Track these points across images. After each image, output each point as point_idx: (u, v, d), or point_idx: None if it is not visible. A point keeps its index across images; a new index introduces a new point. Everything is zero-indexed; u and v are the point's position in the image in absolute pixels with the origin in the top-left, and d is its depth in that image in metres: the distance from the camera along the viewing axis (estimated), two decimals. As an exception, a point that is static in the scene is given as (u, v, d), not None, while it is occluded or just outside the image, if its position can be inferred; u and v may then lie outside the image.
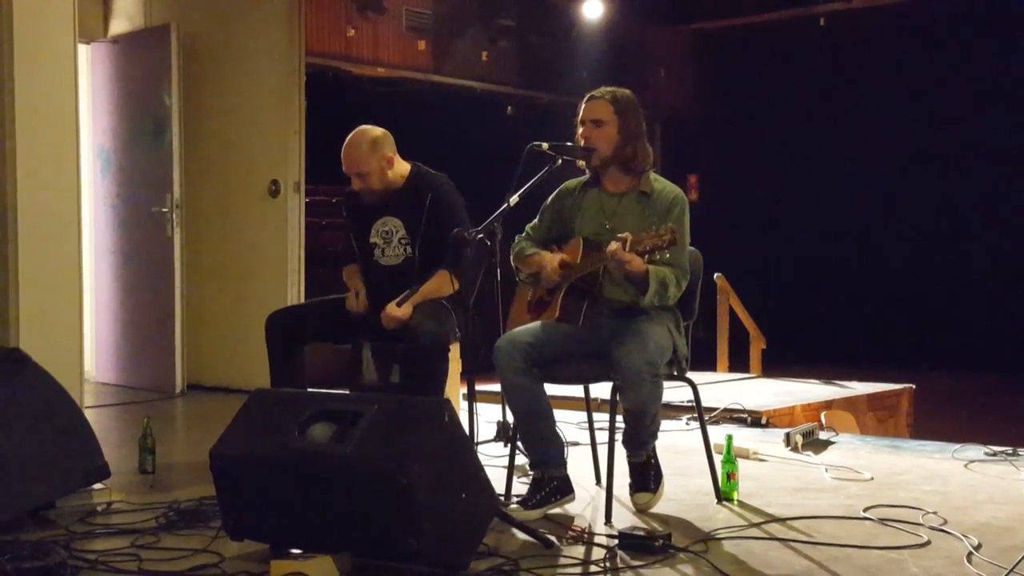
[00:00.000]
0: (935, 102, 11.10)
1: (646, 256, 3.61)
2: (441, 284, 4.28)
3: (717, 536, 3.49)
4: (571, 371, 3.90)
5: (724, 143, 11.86)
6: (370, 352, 4.38)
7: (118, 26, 7.45)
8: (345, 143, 4.40)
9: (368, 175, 4.37)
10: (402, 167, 4.48)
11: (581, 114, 3.96)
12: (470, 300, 4.08)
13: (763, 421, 5.89)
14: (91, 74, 7.27)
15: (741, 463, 4.13)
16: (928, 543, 3.39)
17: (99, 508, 3.79)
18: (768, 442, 5.19)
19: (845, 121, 11.55)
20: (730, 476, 3.99)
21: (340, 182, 4.94)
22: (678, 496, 4.03)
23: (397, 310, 4.21)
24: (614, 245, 3.62)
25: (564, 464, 3.87)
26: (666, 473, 3.97)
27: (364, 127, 4.44)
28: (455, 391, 4.94)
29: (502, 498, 3.84)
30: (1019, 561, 3.05)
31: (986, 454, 4.87)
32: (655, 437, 3.90)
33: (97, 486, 3.86)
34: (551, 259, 3.91)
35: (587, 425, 4.42)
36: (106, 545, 3.34)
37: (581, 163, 3.97)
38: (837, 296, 11.72)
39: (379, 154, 4.37)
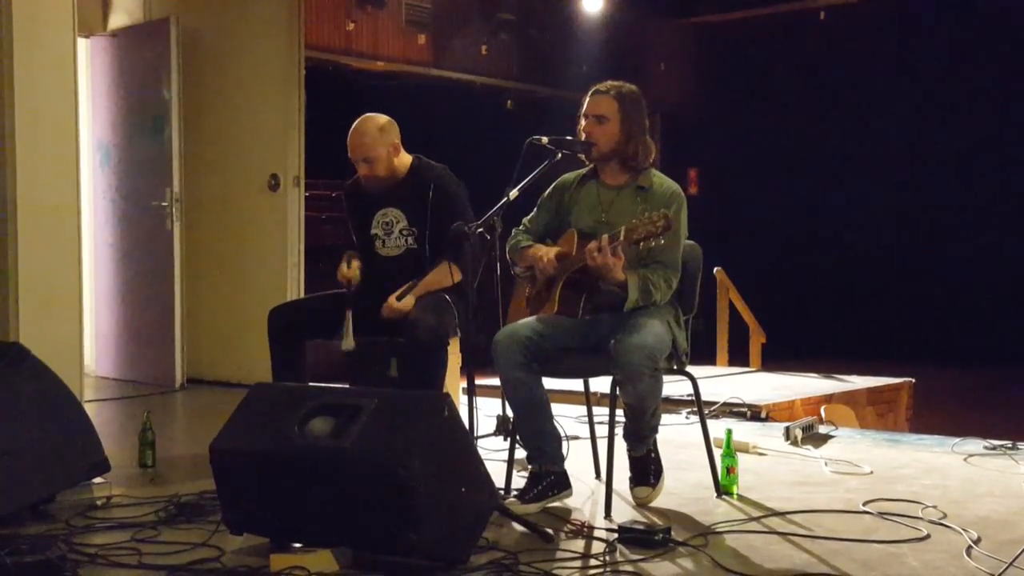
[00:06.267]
0: (936, 97, 11.10)
1: (640, 244, 3.61)
2: (442, 276, 4.29)
3: (717, 530, 3.49)
4: (571, 365, 3.89)
5: (724, 137, 11.87)
6: (351, 318, 4.33)
7: (117, 20, 7.44)
8: (352, 130, 4.41)
9: (376, 161, 4.37)
10: (405, 157, 4.48)
11: (584, 107, 3.95)
12: (470, 294, 4.08)
13: (763, 415, 5.89)
14: (90, 68, 7.26)
15: (741, 457, 4.13)
16: (927, 537, 3.39)
17: (99, 502, 3.79)
18: (768, 436, 5.20)
19: (845, 115, 11.56)
20: (730, 470, 3.99)
21: (340, 176, 4.94)
22: (678, 490, 4.03)
23: (397, 303, 4.21)
24: (592, 246, 3.63)
25: (562, 459, 3.87)
26: (666, 467, 3.97)
27: (369, 114, 4.45)
28: (455, 385, 4.93)
29: (501, 492, 3.84)
30: (1019, 555, 3.06)
31: (985, 448, 4.87)
32: (655, 431, 3.90)
33: (97, 480, 3.86)
34: (547, 251, 3.90)
35: (587, 419, 4.42)
36: (106, 539, 3.34)
37: (581, 156, 3.97)
38: (837, 290, 11.72)
39: (386, 140, 4.38)
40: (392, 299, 4.22)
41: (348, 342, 4.30)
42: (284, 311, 4.53)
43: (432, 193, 4.36)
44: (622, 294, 3.73)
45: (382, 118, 4.44)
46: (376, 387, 4.36)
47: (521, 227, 4.09)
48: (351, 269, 4.40)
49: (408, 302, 4.20)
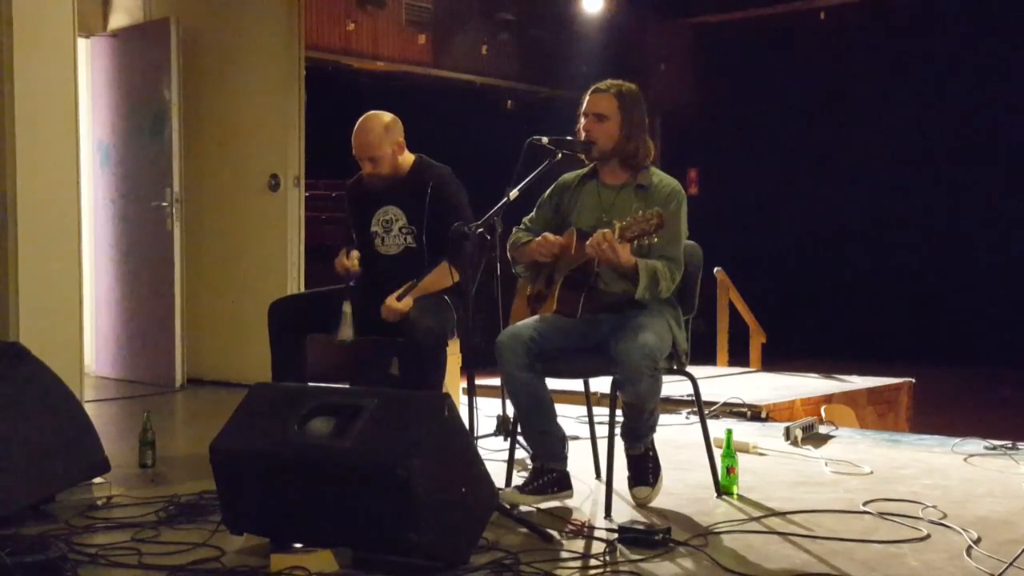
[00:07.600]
0: (936, 97, 11.09)
1: (635, 243, 3.60)
2: (440, 277, 4.28)
3: (717, 530, 3.49)
4: (571, 365, 3.90)
5: (724, 137, 11.86)
6: (350, 308, 4.31)
7: (117, 20, 7.44)
8: (356, 127, 4.40)
9: (381, 160, 4.37)
10: (408, 156, 4.49)
11: (584, 106, 3.95)
12: (470, 294, 4.08)
13: (763, 415, 5.89)
14: (91, 68, 7.26)
15: (741, 457, 4.13)
16: (928, 537, 3.39)
17: (99, 502, 3.79)
18: (768, 436, 5.20)
19: (845, 115, 11.55)
20: (730, 470, 3.99)
21: (340, 176, 4.93)
22: (678, 490, 4.03)
23: (397, 303, 4.20)
24: (596, 236, 3.61)
25: (565, 459, 3.87)
26: (666, 467, 3.98)
27: (374, 112, 4.44)
28: (455, 385, 4.93)
29: (502, 492, 3.84)
30: (1019, 555, 3.06)
31: (985, 448, 4.87)
32: (653, 430, 3.91)
33: (97, 480, 3.86)
34: (552, 236, 3.89)
35: (587, 419, 4.42)
36: (106, 539, 3.34)
37: (581, 156, 3.97)
38: (837, 290, 11.72)
39: (391, 138, 4.38)
40: (391, 300, 4.21)
41: (345, 332, 4.27)
42: (284, 304, 4.55)
43: (430, 192, 4.36)
44: (629, 287, 3.71)
45: (387, 116, 4.43)
46: (377, 386, 4.38)
47: (521, 226, 4.09)
48: (350, 259, 4.38)
49: (407, 303, 4.20)
